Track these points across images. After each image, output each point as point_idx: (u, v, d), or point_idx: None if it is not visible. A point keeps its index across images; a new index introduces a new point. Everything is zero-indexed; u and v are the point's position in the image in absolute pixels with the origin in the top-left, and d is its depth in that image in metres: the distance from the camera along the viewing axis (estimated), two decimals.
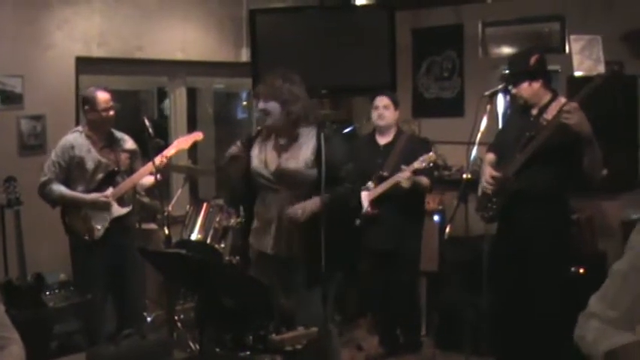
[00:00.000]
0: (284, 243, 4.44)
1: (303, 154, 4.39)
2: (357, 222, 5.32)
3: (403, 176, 5.41)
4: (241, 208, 5.21)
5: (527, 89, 4.78)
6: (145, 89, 7.87)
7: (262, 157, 4.51)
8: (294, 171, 4.40)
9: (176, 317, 5.98)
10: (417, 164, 5.42)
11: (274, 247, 4.46)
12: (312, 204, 4.30)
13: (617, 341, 2.07)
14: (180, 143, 5.70)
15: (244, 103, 8.51)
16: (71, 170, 5.34)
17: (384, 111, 5.69)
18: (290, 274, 4.52)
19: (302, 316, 4.11)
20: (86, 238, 5.30)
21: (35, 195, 5.33)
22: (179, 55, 6.97)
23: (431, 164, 5.49)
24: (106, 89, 5.38)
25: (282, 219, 4.42)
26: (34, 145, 6.00)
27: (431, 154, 5.47)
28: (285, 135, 4.49)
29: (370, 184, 5.62)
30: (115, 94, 5.52)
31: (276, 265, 4.52)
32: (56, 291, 5.52)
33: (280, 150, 4.49)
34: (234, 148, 4.59)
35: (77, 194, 5.32)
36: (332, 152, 4.30)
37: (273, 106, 4.40)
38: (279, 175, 4.43)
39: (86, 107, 5.36)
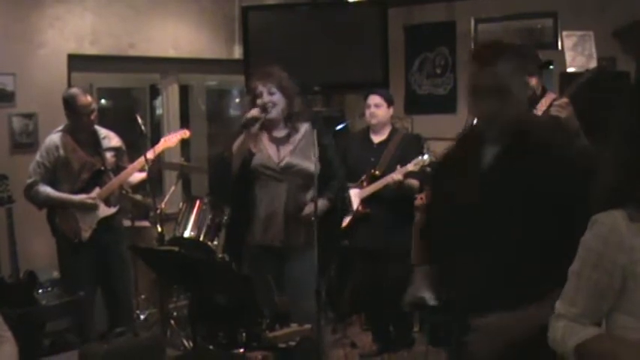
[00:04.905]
0: (293, 232, 4.46)
1: (310, 151, 4.41)
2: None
3: (395, 176, 5.41)
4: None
5: (536, 81, 4.81)
6: (137, 87, 7.83)
7: (263, 150, 4.52)
8: (301, 166, 4.46)
9: (169, 315, 5.97)
10: (410, 167, 5.41)
11: (284, 238, 4.47)
12: (321, 204, 4.37)
13: (583, 335, 2.17)
14: (167, 141, 5.70)
15: (237, 100, 8.50)
16: (57, 171, 5.30)
17: (375, 109, 5.72)
18: (290, 266, 4.52)
19: (296, 313, 4.11)
20: (75, 240, 5.29)
21: None
22: (171, 53, 6.96)
23: (427, 168, 5.48)
24: (85, 91, 5.33)
25: (288, 209, 4.44)
26: (25, 143, 5.99)
27: (425, 157, 5.45)
28: (282, 128, 4.53)
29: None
30: (107, 92, 5.50)
31: (276, 258, 4.52)
32: (48, 289, 5.52)
33: (278, 143, 4.53)
34: (255, 111, 4.46)
35: (64, 195, 5.29)
36: (330, 152, 4.48)
37: (279, 98, 4.45)
38: (286, 168, 4.46)
39: (66, 111, 5.31)
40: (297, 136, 4.54)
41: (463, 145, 2.91)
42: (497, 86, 2.58)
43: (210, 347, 4.06)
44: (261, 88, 4.46)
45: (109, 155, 5.44)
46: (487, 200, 2.65)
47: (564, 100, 4.47)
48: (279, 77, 4.47)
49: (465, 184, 2.73)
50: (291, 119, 4.52)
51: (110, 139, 5.51)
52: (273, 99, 4.44)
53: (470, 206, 2.68)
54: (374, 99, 5.75)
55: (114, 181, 5.40)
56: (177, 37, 6.97)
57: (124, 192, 5.60)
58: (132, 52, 6.65)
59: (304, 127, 4.53)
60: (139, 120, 5.37)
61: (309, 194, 4.45)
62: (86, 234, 5.30)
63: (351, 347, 6.18)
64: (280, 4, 7.47)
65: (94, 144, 5.40)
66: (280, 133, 4.55)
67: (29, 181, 5.28)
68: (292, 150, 4.50)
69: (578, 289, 2.21)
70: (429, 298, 2.87)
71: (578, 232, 2.25)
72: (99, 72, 6.68)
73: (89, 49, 6.36)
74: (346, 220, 5.43)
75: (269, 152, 4.51)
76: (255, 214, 4.52)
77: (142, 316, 6.14)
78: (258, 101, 4.45)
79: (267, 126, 4.54)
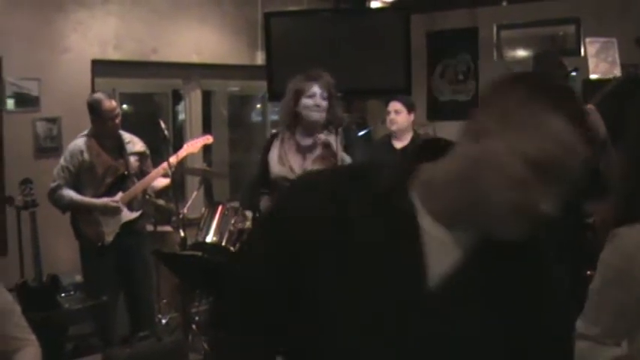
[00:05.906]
0: None
1: (335, 159, 4.36)
2: None
3: None
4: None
5: None
6: (159, 92, 7.87)
7: (285, 161, 4.46)
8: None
9: (191, 319, 5.98)
10: None
11: None
12: None
13: (606, 356, 2.11)
14: (190, 147, 5.72)
15: (259, 106, 8.52)
16: (81, 175, 5.33)
17: (395, 116, 5.75)
18: None
19: None
20: (98, 244, 5.31)
21: None
22: (194, 58, 6.98)
23: None
24: (110, 96, 5.36)
25: None
26: (49, 147, 6.02)
27: None
28: (313, 134, 4.47)
29: None
30: (130, 97, 5.52)
31: None
32: (71, 293, 5.55)
33: (305, 151, 4.47)
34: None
35: (87, 199, 5.32)
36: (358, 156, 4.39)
37: (326, 105, 4.37)
38: None
39: (91, 115, 5.34)
40: (323, 145, 4.45)
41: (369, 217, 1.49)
42: None
43: None
44: (316, 89, 4.33)
45: (132, 160, 5.47)
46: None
47: (589, 106, 4.45)
48: (328, 82, 4.37)
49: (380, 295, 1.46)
50: (327, 127, 4.44)
51: (134, 143, 5.54)
52: (323, 104, 4.35)
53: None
54: (394, 105, 5.78)
55: (137, 186, 5.43)
56: (199, 42, 7.00)
57: (147, 197, 5.62)
58: (155, 58, 6.68)
59: (333, 135, 4.44)
60: (162, 125, 5.39)
61: None
62: (109, 238, 5.32)
63: None
64: (303, 10, 7.47)
65: (119, 148, 5.43)
66: (309, 141, 4.46)
67: (53, 185, 5.31)
68: (315, 160, 4.42)
69: (599, 307, 2.15)
70: None
71: None
72: (122, 77, 6.72)
73: (112, 54, 6.39)
74: None
75: (291, 163, 4.46)
76: None
77: (163, 321, 6.15)
78: (309, 101, 4.33)
79: (306, 129, 4.45)
